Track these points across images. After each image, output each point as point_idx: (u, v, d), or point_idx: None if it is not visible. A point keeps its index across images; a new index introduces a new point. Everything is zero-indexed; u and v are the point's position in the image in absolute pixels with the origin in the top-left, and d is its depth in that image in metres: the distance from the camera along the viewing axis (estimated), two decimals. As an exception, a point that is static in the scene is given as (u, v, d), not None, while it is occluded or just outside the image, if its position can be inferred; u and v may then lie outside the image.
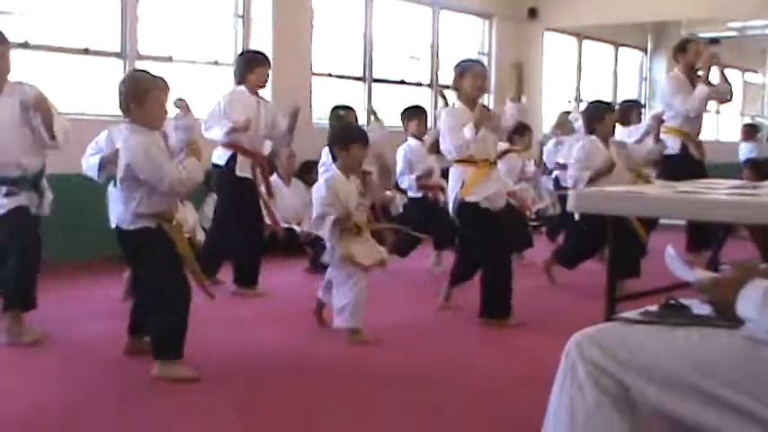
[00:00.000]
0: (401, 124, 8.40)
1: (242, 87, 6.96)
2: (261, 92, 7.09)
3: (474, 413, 4.17)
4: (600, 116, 7.17)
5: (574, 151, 7.26)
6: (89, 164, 5.83)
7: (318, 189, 5.56)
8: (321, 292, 5.77)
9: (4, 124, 5.25)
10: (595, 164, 6.96)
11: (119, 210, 4.65)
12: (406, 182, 8.20)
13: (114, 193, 5.91)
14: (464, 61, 6.27)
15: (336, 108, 8.19)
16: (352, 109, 8.25)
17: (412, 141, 8.24)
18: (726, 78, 8.66)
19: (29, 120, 5.32)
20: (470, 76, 6.03)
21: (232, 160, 6.88)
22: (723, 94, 8.75)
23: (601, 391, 2.23)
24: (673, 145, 8.49)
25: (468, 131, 5.83)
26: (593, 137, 7.09)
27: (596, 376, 2.24)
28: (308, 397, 4.39)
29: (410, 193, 8.36)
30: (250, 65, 7.00)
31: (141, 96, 4.52)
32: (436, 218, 8.09)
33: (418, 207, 8.29)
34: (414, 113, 8.42)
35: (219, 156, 6.92)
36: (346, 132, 5.85)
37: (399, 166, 8.22)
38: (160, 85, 4.66)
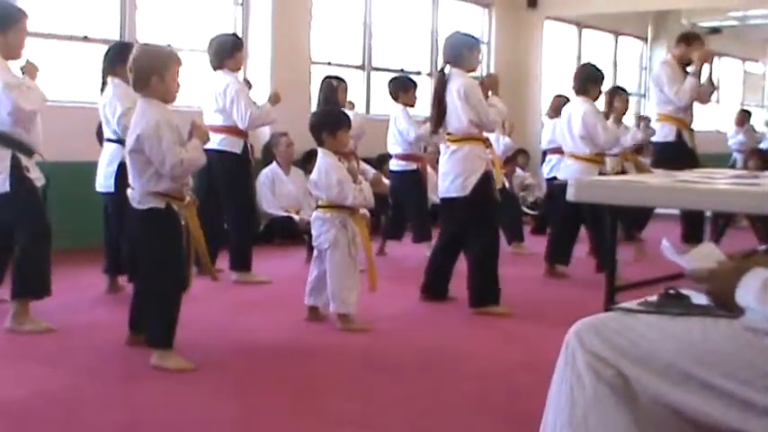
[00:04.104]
0: (390, 94, 8.39)
1: (225, 71, 6.92)
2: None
3: (473, 402, 4.17)
4: (595, 79, 7.25)
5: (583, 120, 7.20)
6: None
7: (329, 167, 5.53)
8: (308, 297, 5.73)
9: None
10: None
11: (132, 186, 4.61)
12: (404, 144, 8.24)
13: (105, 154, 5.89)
14: (465, 35, 6.28)
15: (329, 78, 8.16)
16: (343, 80, 8.21)
17: (402, 107, 8.28)
18: (712, 81, 8.64)
19: None
20: (477, 51, 6.21)
21: (246, 148, 6.93)
22: (704, 96, 8.68)
23: (600, 380, 2.23)
24: (668, 132, 8.49)
25: (497, 108, 6.11)
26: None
27: (596, 366, 2.24)
28: (306, 384, 4.40)
29: (399, 167, 8.35)
30: (232, 49, 6.96)
31: (164, 68, 4.49)
32: (420, 206, 8.15)
33: (407, 183, 8.30)
34: (405, 84, 8.42)
35: (232, 143, 6.85)
36: (333, 118, 5.80)
37: (400, 127, 8.22)
38: (177, 58, 4.61)
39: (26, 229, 5.30)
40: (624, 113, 8.82)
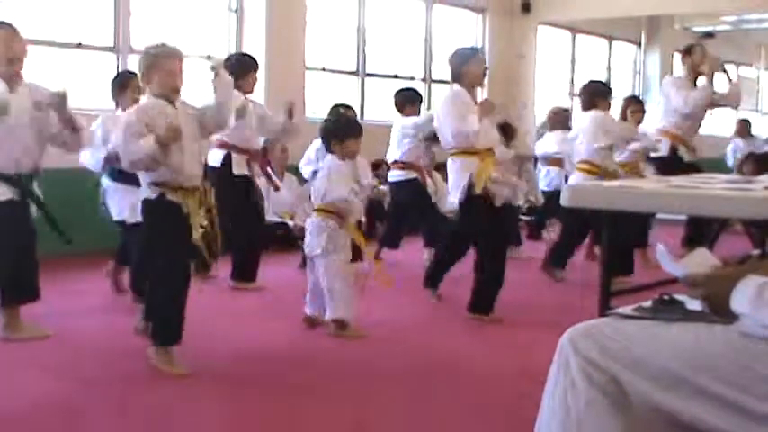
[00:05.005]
0: (395, 106, 8.35)
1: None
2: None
3: (471, 407, 4.17)
4: (603, 93, 7.29)
5: (583, 127, 7.25)
6: (94, 159, 5.89)
7: (324, 171, 5.64)
8: (308, 307, 5.72)
9: (11, 121, 5.21)
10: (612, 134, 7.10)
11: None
12: (399, 154, 8.22)
13: (112, 187, 5.94)
14: (464, 49, 6.27)
15: (337, 106, 8.19)
16: (351, 108, 8.24)
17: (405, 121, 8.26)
18: (732, 82, 8.61)
19: (40, 121, 5.28)
20: (474, 64, 6.07)
21: (227, 160, 6.90)
22: (731, 100, 8.65)
23: (594, 386, 2.23)
24: (663, 147, 8.47)
25: (473, 121, 5.85)
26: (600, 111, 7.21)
27: (589, 371, 2.23)
28: (304, 390, 4.40)
29: (399, 177, 8.33)
30: (243, 71, 6.93)
31: (149, 68, 4.61)
32: (427, 209, 8.12)
33: (410, 192, 8.28)
34: (412, 98, 8.38)
35: (214, 157, 6.90)
36: (342, 126, 5.85)
37: (397, 139, 8.21)
38: (168, 53, 4.65)
39: (4, 240, 5.25)
40: (639, 123, 8.81)
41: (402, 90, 8.57)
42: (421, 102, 8.45)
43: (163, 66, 4.61)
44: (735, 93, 8.54)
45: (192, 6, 9.75)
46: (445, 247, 6.59)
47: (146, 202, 4.67)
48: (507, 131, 8.46)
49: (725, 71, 8.48)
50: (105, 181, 6.17)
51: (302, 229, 8.32)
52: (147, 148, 4.45)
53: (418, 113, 8.32)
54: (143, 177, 4.66)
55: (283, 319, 5.94)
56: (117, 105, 6.22)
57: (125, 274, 6.43)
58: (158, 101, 4.62)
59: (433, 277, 6.60)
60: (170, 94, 4.65)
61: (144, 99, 4.69)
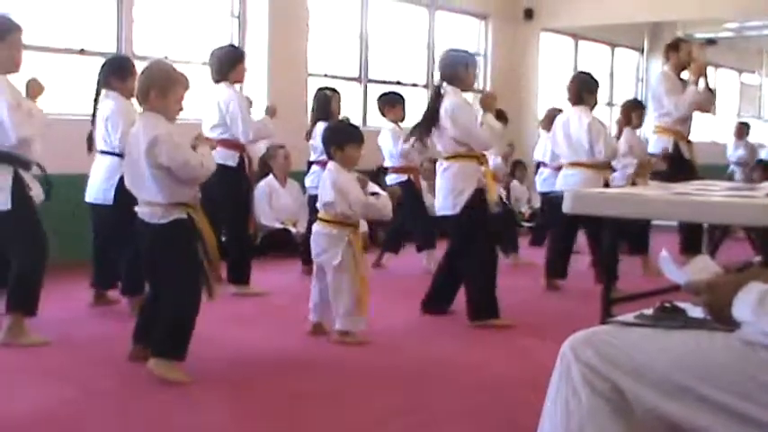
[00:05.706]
0: (378, 110, 8.47)
1: (227, 84, 6.89)
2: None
3: (471, 415, 4.16)
4: (590, 88, 7.22)
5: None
6: None
7: (333, 179, 5.51)
8: (313, 314, 5.67)
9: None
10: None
11: (146, 203, 4.60)
12: (392, 160, 8.29)
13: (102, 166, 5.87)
14: (462, 52, 6.26)
15: (322, 89, 8.20)
16: (336, 91, 8.25)
17: (392, 125, 8.31)
18: (711, 89, 8.57)
19: None
20: (473, 68, 6.16)
21: (242, 161, 6.90)
22: (707, 104, 8.62)
23: (595, 393, 2.22)
24: (666, 145, 8.46)
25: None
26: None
27: (591, 379, 2.23)
28: (302, 396, 4.39)
29: (392, 180, 8.32)
30: (234, 62, 6.94)
31: (166, 86, 4.53)
32: (416, 211, 8.14)
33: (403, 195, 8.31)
34: (392, 100, 8.44)
35: (228, 156, 6.75)
36: (341, 132, 5.80)
37: (385, 145, 8.28)
38: (183, 81, 4.64)
39: (24, 247, 5.29)
40: (640, 127, 8.81)
41: (383, 94, 8.63)
42: (404, 104, 8.47)
43: (177, 91, 4.58)
44: (707, 99, 8.48)
45: (195, 12, 9.75)
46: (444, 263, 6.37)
47: (176, 222, 4.54)
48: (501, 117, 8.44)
49: (705, 76, 8.43)
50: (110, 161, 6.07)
51: (304, 236, 8.36)
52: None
53: (402, 116, 8.36)
54: (160, 198, 4.53)
55: (283, 326, 5.93)
56: (109, 88, 6.15)
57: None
58: (167, 121, 4.58)
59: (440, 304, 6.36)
60: (170, 118, 4.61)
61: (146, 116, 4.58)
